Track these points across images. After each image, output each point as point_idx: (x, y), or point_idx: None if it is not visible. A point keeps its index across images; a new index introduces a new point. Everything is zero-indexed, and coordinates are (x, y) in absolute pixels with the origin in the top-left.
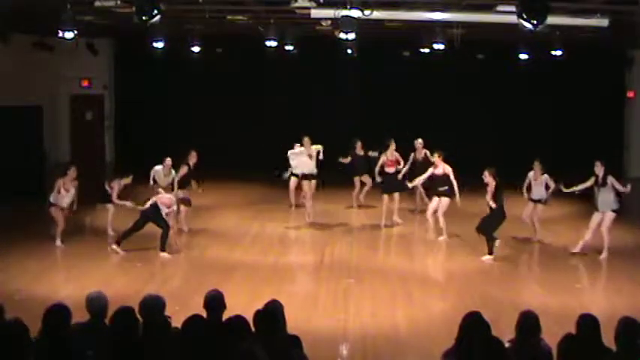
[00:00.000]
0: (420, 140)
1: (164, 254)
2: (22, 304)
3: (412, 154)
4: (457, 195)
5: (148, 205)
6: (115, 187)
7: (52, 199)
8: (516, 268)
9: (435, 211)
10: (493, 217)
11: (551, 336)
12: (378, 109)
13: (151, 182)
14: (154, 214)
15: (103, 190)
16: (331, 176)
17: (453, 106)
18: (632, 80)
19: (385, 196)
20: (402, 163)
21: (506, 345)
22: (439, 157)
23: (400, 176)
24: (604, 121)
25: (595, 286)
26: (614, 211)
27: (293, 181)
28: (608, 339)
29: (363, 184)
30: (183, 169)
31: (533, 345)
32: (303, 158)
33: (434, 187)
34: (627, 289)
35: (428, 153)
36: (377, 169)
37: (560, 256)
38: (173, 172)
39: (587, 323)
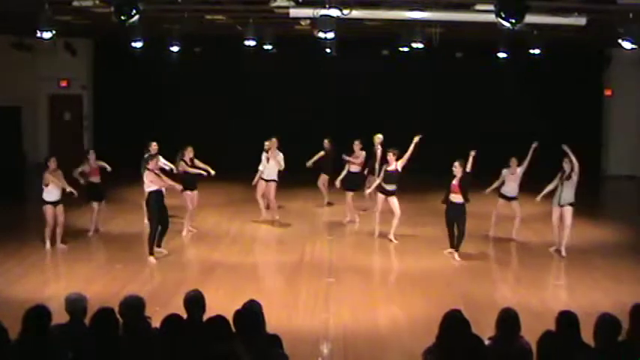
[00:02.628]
0: (379, 136)
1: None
2: (2, 306)
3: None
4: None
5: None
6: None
7: (43, 196)
8: (496, 266)
9: (382, 211)
10: (463, 214)
11: (531, 333)
12: (356, 108)
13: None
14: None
15: (93, 186)
16: (310, 175)
17: (431, 105)
18: (609, 78)
19: (348, 194)
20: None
21: (487, 343)
22: (394, 155)
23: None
24: (582, 119)
25: (574, 283)
26: (572, 205)
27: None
28: (587, 336)
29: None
30: (182, 167)
31: (514, 342)
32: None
33: (380, 184)
34: (606, 286)
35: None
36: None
37: (538, 254)
38: (161, 158)
39: (567, 320)
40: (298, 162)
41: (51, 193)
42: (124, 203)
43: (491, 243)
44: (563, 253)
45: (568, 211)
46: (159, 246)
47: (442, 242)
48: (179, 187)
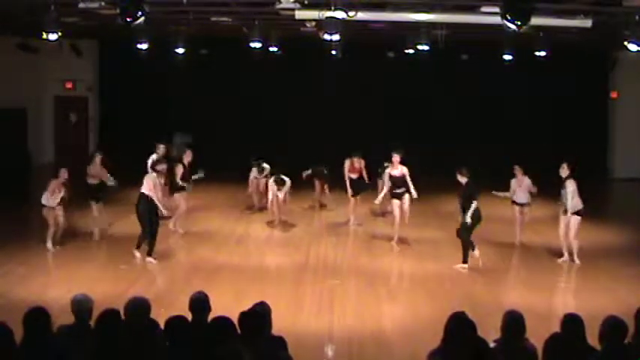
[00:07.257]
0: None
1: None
2: (6, 308)
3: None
4: (414, 193)
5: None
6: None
7: (43, 200)
8: (501, 268)
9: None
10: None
11: (536, 336)
12: (362, 110)
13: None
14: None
15: (92, 187)
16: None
17: (437, 107)
18: (615, 81)
19: (352, 199)
20: (364, 172)
21: (492, 345)
22: (399, 156)
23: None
24: (588, 121)
25: (579, 285)
26: (578, 214)
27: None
28: (592, 338)
29: (322, 187)
30: (179, 169)
31: (519, 345)
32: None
33: (391, 189)
34: (611, 289)
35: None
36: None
37: (544, 257)
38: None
39: (572, 323)
40: (303, 162)
41: (55, 199)
42: (128, 205)
43: (496, 246)
44: (577, 261)
45: (571, 219)
46: (149, 255)
47: (447, 244)
48: (165, 211)
